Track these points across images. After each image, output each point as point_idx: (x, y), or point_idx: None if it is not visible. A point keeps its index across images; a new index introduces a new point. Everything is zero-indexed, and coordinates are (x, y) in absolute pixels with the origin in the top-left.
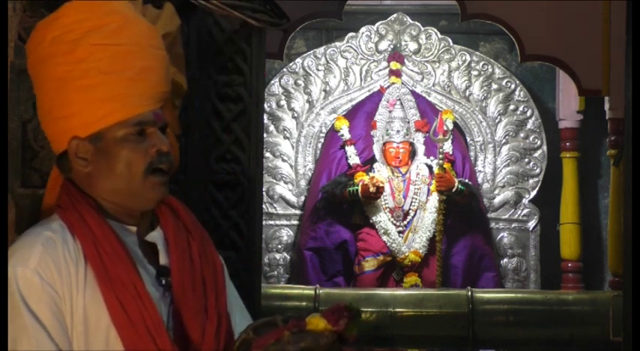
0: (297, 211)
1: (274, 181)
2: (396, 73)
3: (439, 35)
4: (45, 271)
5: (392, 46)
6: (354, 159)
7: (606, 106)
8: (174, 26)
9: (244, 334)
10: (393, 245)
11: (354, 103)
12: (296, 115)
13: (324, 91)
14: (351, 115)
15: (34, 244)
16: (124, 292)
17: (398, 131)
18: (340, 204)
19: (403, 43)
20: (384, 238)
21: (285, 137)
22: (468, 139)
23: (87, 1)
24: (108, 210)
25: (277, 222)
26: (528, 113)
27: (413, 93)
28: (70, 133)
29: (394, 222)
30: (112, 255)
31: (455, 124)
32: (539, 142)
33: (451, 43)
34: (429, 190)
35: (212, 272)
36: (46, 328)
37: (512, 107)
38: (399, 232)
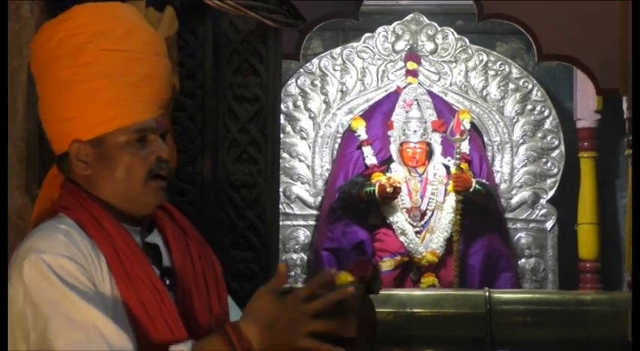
0: (314, 212)
1: (291, 181)
2: (413, 74)
3: (456, 35)
4: (74, 256)
5: (408, 47)
6: (370, 159)
7: (624, 106)
8: (173, 30)
9: None
10: (410, 245)
11: (370, 103)
12: (313, 115)
13: (341, 91)
14: (367, 115)
15: (55, 235)
16: (143, 290)
17: (415, 131)
18: (357, 204)
19: (420, 43)
20: (401, 238)
21: (302, 138)
22: (485, 139)
23: (96, 5)
24: (115, 210)
25: (294, 222)
26: (546, 113)
27: (430, 93)
28: (72, 136)
29: (411, 222)
30: (128, 254)
31: (472, 124)
32: (556, 142)
33: (468, 43)
34: (446, 190)
35: (212, 273)
36: (94, 303)
37: (529, 107)
38: (416, 233)
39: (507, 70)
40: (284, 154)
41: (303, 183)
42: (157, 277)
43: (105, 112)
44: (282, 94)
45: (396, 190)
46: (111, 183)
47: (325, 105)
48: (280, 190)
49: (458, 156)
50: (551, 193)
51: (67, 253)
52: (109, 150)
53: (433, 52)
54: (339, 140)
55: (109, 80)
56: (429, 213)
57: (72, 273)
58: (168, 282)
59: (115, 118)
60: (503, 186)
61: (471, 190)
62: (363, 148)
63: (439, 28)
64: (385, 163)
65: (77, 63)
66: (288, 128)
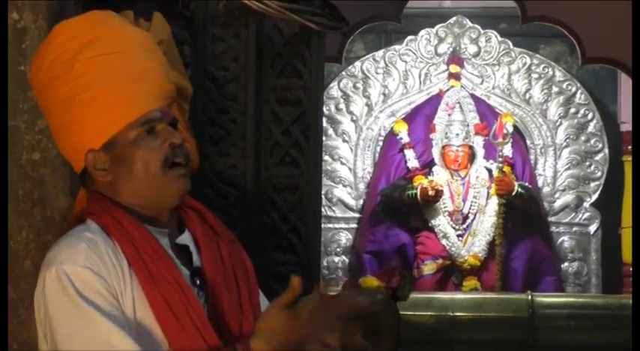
0: (356, 215)
1: (333, 184)
2: (456, 77)
3: (499, 38)
4: (94, 266)
5: (451, 49)
6: (413, 162)
7: None
8: (165, 33)
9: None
10: (452, 249)
11: (413, 106)
12: (355, 118)
13: (383, 94)
14: (410, 118)
15: (77, 244)
16: (168, 290)
17: (457, 134)
18: (399, 207)
19: (463, 46)
20: (443, 241)
21: (344, 140)
22: (528, 143)
23: (75, 19)
24: (138, 214)
25: (336, 225)
26: (589, 116)
27: (472, 96)
28: (85, 148)
29: (453, 225)
30: (152, 254)
31: (515, 127)
32: (600, 146)
33: (511, 46)
34: (488, 193)
35: (243, 272)
36: (112, 318)
37: (572, 110)
38: (459, 236)
39: (551, 73)
40: (326, 157)
41: (345, 186)
42: (183, 277)
43: (108, 114)
44: (324, 97)
45: (438, 194)
46: (131, 182)
47: (367, 108)
48: (322, 192)
49: (500, 159)
50: (594, 197)
51: (88, 262)
52: (123, 150)
53: (476, 54)
54: (381, 143)
55: (105, 85)
56: (471, 216)
57: (91, 285)
58: (198, 282)
59: (120, 117)
60: (546, 189)
61: (514, 193)
62: (405, 151)
63: (482, 31)
64: (427, 166)
65: (71, 78)
66: (331, 131)
